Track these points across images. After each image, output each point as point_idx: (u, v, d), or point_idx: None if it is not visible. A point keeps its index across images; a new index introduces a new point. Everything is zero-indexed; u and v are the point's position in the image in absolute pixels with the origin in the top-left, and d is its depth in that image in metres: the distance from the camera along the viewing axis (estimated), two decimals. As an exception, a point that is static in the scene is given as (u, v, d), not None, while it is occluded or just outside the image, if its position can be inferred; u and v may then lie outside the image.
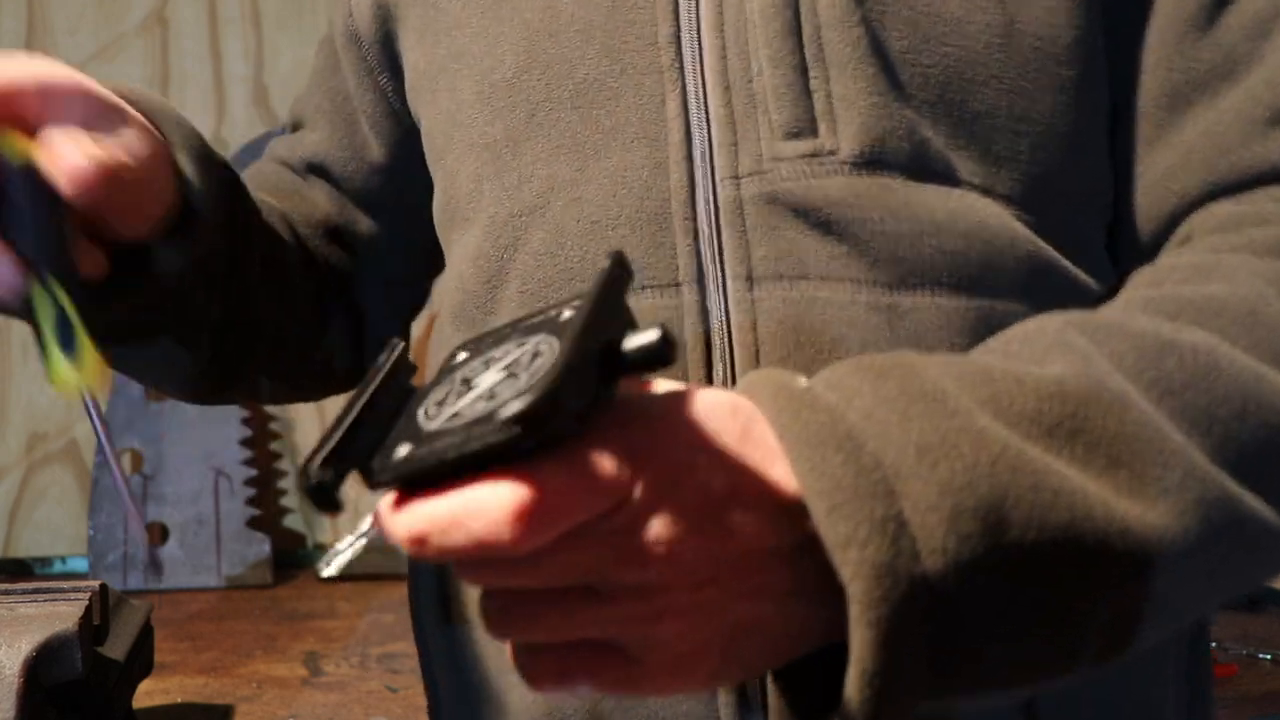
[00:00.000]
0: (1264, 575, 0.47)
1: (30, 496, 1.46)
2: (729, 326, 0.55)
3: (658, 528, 0.38)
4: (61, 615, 0.69)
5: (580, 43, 0.59)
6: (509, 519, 0.35)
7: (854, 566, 0.37)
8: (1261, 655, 1.12)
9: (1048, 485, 0.39)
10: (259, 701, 1.02)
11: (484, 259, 0.62)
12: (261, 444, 1.48)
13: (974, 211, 0.55)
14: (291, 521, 1.51)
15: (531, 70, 0.60)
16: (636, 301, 0.56)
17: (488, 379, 0.40)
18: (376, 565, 1.41)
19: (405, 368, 0.44)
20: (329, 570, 1.42)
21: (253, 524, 1.41)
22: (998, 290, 0.55)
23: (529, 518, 0.35)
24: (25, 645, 0.67)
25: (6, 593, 0.73)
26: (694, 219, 0.56)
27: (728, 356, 0.55)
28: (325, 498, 0.38)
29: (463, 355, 0.44)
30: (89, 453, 1.44)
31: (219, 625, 1.24)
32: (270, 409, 1.49)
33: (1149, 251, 0.58)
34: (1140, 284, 0.52)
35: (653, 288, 0.56)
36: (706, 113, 0.57)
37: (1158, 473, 0.41)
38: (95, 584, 0.76)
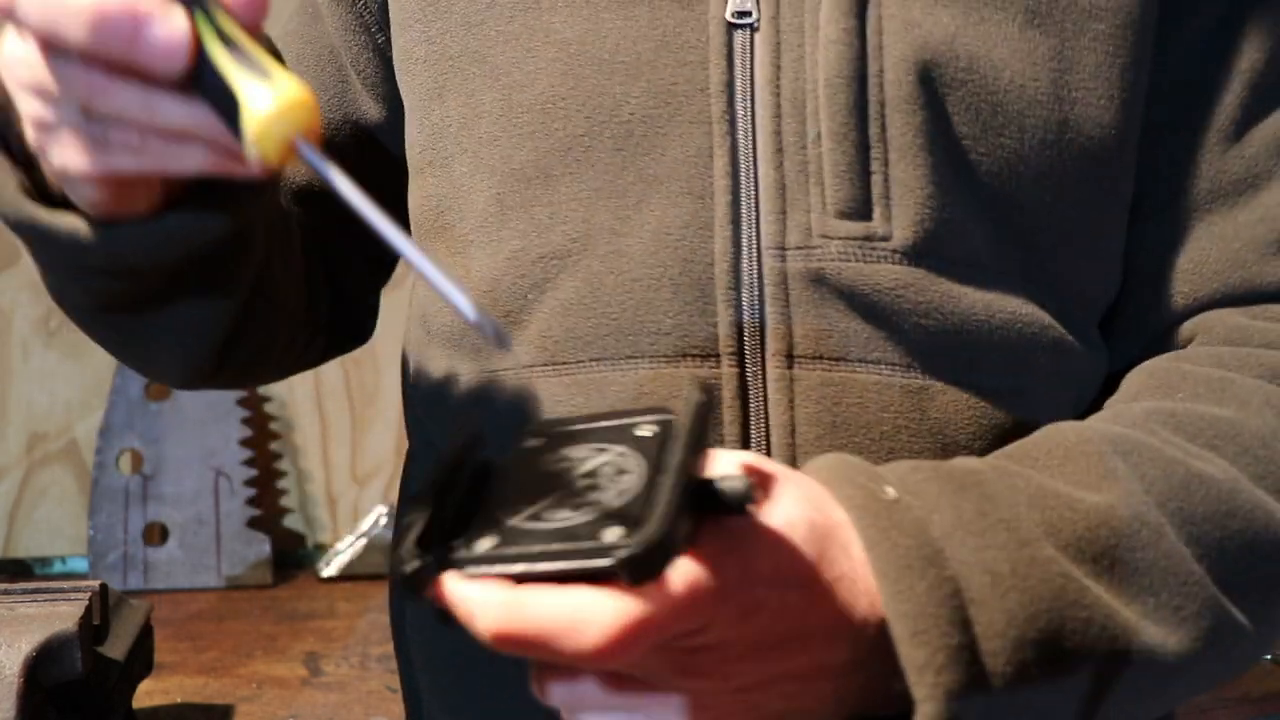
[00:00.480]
0: (1234, 676, 0.54)
1: (30, 496, 1.46)
2: (766, 404, 0.55)
3: (724, 654, 0.41)
4: (62, 615, 0.69)
5: (626, 77, 0.57)
6: (599, 647, 0.37)
7: (929, 689, 0.43)
8: (1262, 655, 1.12)
9: (1096, 619, 0.46)
10: (259, 701, 1.02)
11: (502, 293, 0.59)
12: (261, 444, 1.48)
13: (1010, 304, 0.56)
14: (291, 521, 1.51)
15: (570, 99, 0.57)
16: (675, 370, 0.56)
17: (570, 480, 0.41)
18: (376, 565, 1.40)
19: (479, 445, 0.45)
20: (329, 570, 1.42)
21: (253, 524, 1.41)
22: (1022, 377, 0.57)
23: (616, 647, 0.37)
24: (25, 645, 0.67)
25: (6, 593, 0.73)
26: (737, 290, 0.55)
27: (764, 432, 0.55)
28: (417, 585, 0.39)
29: (532, 441, 0.44)
30: (89, 453, 1.44)
31: (219, 625, 1.24)
32: (270, 409, 1.49)
33: (1148, 339, 0.62)
34: (1153, 387, 0.57)
35: (693, 356, 0.56)
36: (755, 174, 0.56)
37: (1180, 602, 0.48)
38: (95, 584, 0.76)
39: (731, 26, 0.56)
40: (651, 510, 0.37)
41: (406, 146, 0.67)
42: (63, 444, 1.46)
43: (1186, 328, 0.60)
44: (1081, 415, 0.58)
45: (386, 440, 1.49)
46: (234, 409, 1.43)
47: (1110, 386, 0.61)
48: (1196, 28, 0.60)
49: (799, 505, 0.44)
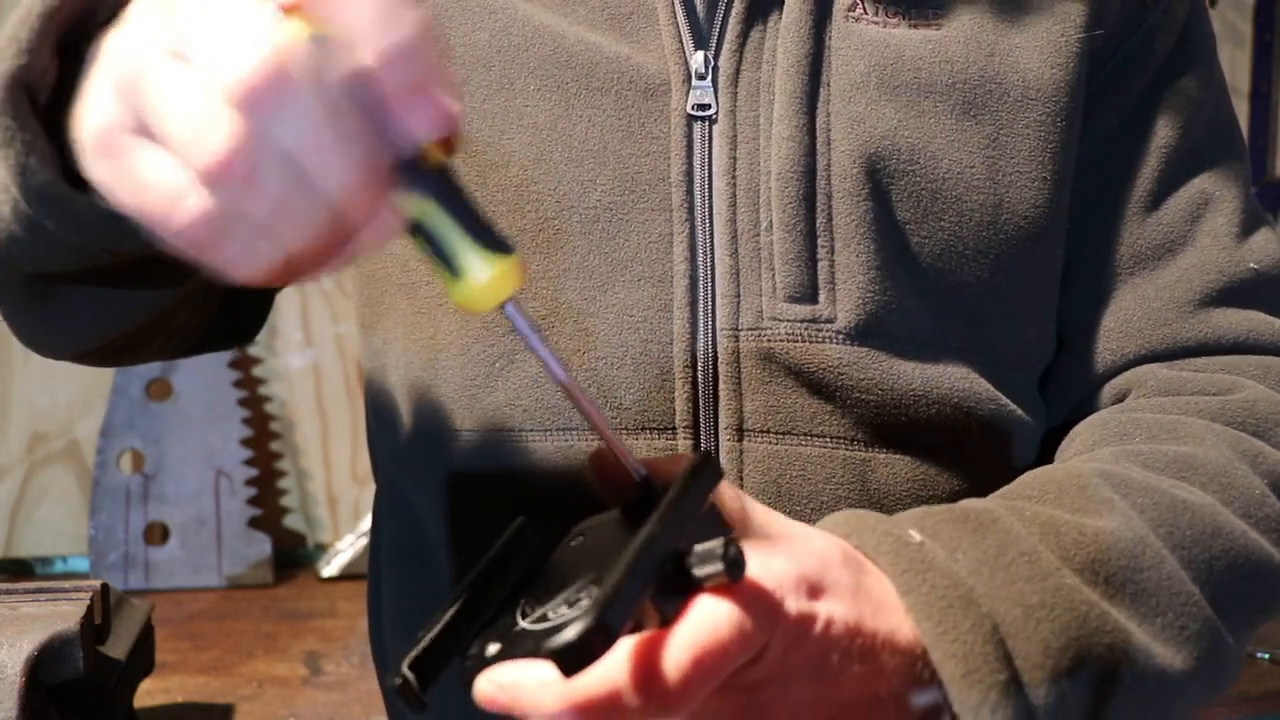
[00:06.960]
0: (1211, 700, 0.55)
1: (31, 496, 1.46)
2: None
3: (782, 688, 0.42)
4: (63, 615, 0.70)
5: (594, 165, 0.60)
6: (676, 684, 0.38)
7: None
8: (1259, 654, 1.13)
9: (1118, 644, 0.48)
10: (259, 701, 1.02)
11: (471, 363, 0.62)
12: (262, 444, 1.48)
13: (948, 378, 0.60)
14: (292, 521, 1.51)
15: (542, 183, 0.60)
16: (635, 441, 0.59)
17: (578, 580, 0.42)
18: (377, 565, 1.41)
19: (523, 547, 0.47)
20: (329, 570, 1.42)
21: (253, 524, 1.41)
22: (961, 445, 0.61)
23: (692, 679, 0.38)
24: (27, 645, 0.67)
25: (9, 592, 0.74)
26: (693, 367, 0.59)
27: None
28: (410, 696, 0.41)
29: (576, 540, 0.46)
30: (90, 453, 1.44)
31: (219, 625, 1.25)
32: (271, 409, 1.50)
33: (1079, 397, 0.66)
34: (1108, 436, 0.59)
35: (651, 429, 0.60)
36: (712, 260, 0.59)
37: (1184, 621, 0.50)
38: (97, 583, 0.76)
39: (692, 119, 0.59)
40: (593, 602, 0.38)
41: None
42: (64, 444, 1.46)
43: (1116, 383, 0.64)
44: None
45: (387, 440, 1.49)
46: (235, 409, 1.43)
47: (1046, 444, 0.65)
48: (1118, 106, 0.64)
49: (830, 541, 0.45)
